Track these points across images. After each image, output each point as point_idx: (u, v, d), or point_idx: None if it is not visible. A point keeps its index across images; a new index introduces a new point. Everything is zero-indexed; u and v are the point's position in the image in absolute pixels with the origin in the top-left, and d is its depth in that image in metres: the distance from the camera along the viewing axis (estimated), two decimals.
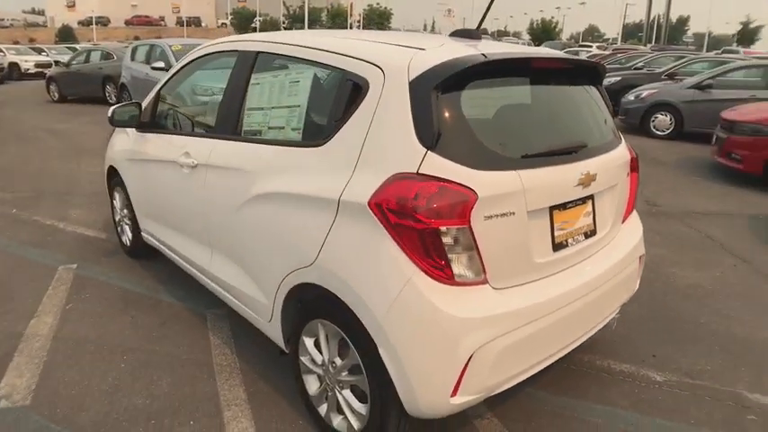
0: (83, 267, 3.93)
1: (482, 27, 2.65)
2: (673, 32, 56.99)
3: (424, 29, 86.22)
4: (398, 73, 1.89)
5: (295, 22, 54.74)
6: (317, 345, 2.22)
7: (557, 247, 2.12)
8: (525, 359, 2.01)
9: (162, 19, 69.53)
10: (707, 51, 27.94)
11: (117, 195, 4.11)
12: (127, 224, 4.04)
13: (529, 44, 34.62)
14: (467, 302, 1.81)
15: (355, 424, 2.09)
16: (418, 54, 1.93)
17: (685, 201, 6.16)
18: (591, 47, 33.15)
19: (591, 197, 2.28)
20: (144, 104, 3.44)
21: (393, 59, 1.94)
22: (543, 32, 47.78)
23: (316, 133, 2.18)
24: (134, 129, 3.56)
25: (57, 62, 20.78)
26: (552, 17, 54.02)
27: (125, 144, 3.73)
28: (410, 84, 1.86)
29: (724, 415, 2.53)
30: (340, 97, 2.06)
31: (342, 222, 1.93)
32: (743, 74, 9.91)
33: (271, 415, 2.40)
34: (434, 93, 1.83)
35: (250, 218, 2.38)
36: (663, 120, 10.08)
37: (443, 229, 1.75)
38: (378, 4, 55.55)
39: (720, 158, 7.17)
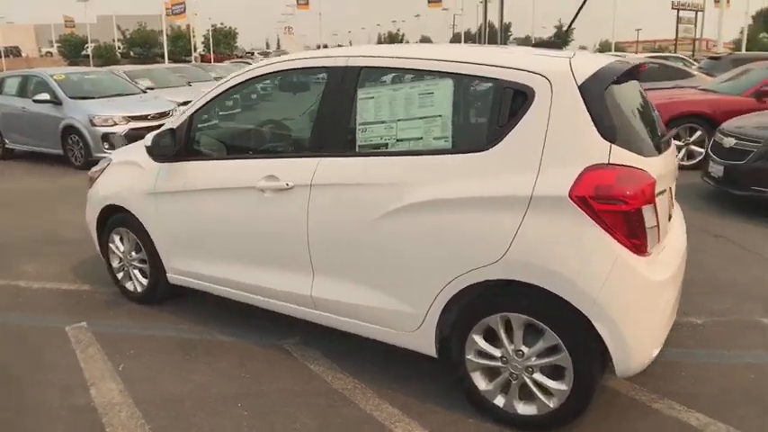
0: (94, 324, 3.42)
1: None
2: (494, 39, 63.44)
3: (267, 47, 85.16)
4: (566, 79, 2.10)
5: (132, 46, 50.62)
6: (488, 340, 2.32)
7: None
8: (674, 315, 2.36)
9: None
10: None
11: (118, 238, 3.65)
12: (137, 268, 3.61)
13: None
14: (654, 269, 2.11)
15: (552, 402, 2.23)
16: (573, 62, 2.15)
17: None
18: None
19: None
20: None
21: (554, 68, 2.14)
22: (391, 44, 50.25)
23: (472, 140, 2.28)
24: (152, 159, 3.23)
25: None
26: (398, 29, 57.48)
27: (141, 178, 3.34)
28: (580, 87, 2.08)
29: (762, 339, 3.15)
30: (500, 105, 2.19)
31: (535, 216, 2.08)
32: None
33: (439, 421, 2.42)
34: (604, 94, 2.08)
35: (394, 230, 2.38)
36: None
37: (643, 208, 2.00)
38: (222, 24, 53.48)
39: None
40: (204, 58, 36.24)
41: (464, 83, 2.34)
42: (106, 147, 7.91)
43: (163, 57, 29.84)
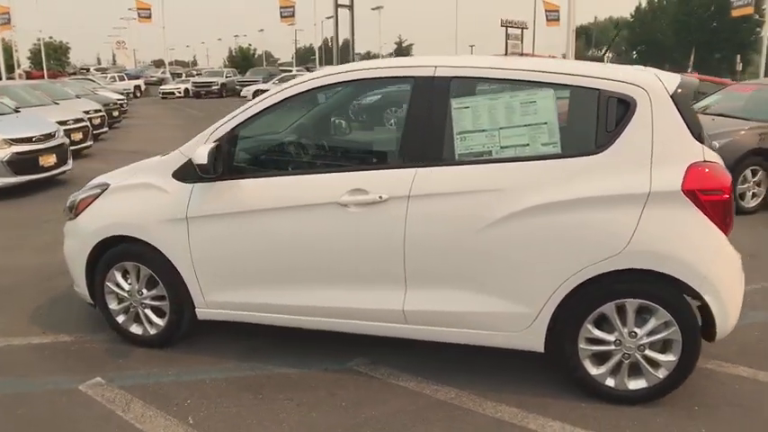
0: (113, 378, 2.89)
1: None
2: (341, 55, 64.78)
3: (99, 62, 77.16)
4: (660, 91, 2.42)
5: None
6: (599, 327, 2.53)
7: None
8: None
9: None
10: None
11: (119, 275, 3.14)
12: (149, 307, 3.15)
13: (235, 74, 34.74)
14: (732, 247, 2.51)
15: (661, 373, 2.51)
16: (659, 75, 2.49)
17: None
18: (291, 70, 35.48)
19: None
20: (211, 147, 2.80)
21: (648, 80, 2.45)
22: (244, 60, 49.18)
23: (581, 144, 2.48)
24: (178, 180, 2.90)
25: None
26: (249, 44, 56.07)
27: (163, 203, 2.94)
28: (671, 97, 2.42)
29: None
30: (606, 112, 2.43)
31: (652, 209, 2.35)
32: None
33: (560, 410, 2.55)
34: (689, 102, 2.46)
35: (508, 234, 2.47)
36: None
37: (731, 197, 2.40)
38: (51, 38, 46.83)
39: None
40: (30, 75, 31.28)
41: (565, 92, 2.54)
42: None
43: None
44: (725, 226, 2.41)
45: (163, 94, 30.15)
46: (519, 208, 2.47)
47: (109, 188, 3.15)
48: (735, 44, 44.13)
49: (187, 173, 2.92)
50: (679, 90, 2.46)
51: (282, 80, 29.33)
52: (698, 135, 2.43)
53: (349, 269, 2.75)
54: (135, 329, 3.22)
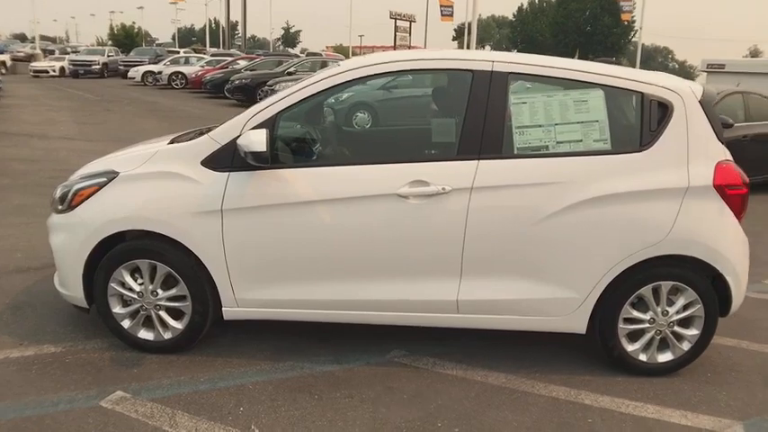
0: (137, 391, 2.58)
1: None
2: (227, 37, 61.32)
3: None
4: (691, 96, 2.70)
5: None
6: (635, 307, 2.78)
7: None
8: None
9: None
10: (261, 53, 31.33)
11: (128, 274, 2.80)
12: (163, 309, 2.85)
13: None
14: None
15: (686, 346, 2.82)
16: (688, 83, 2.78)
17: None
18: (178, 52, 32.86)
19: None
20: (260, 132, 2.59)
21: (681, 86, 2.72)
22: (126, 38, 44.71)
23: (628, 142, 2.67)
24: (210, 167, 2.67)
25: None
26: (133, 22, 50.93)
27: (192, 193, 2.68)
28: (699, 102, 2.72)
29: None
30: (649, 113, 2.65)
31: (689, 202, 2.63)
32: (409, 79, 13.15)
33: (602, 385, 2.76)
34: (713, 107, 2.77)
35: (564, 225, 2.61)
36: (363, 117, 12.28)
37: (748, 190, 2.76)
38: None
39: None
40: None
41: (612, 93, 2.72)
42: None
43: None
44: (741, 215, 2.78)
45: (34, 72, 26.47)
46: (575, 200, 2.61)
47: (119, 177, 2.77)
48: (606, 48, 49.46)
49: (220, 160, 2.69)
50: (704, 97, 2.77)
51: (173, 62, 27.20)
52: (720, 136, 2.76)
53: (404, 261, 2.71)
54: (144, 335, 2.89)
